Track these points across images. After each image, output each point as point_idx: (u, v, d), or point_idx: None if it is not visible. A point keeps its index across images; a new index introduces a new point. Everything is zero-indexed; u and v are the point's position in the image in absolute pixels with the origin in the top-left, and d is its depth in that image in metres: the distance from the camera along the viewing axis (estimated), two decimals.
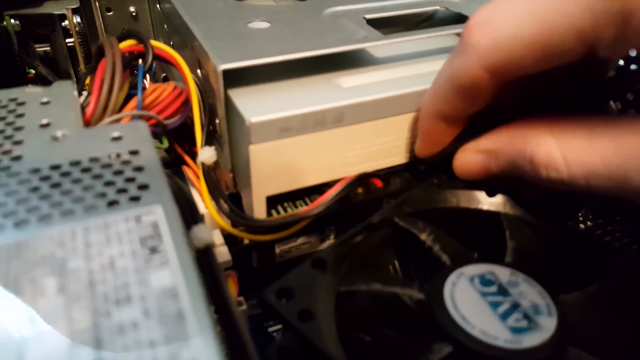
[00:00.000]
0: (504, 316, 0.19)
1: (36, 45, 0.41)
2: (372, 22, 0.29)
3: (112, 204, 0.17)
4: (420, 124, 0.25)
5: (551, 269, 0.23)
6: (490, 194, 0.25)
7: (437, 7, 0.33)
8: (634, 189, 0.19)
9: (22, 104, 0.23)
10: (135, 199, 0.17)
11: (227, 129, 0.25)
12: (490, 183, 0.25)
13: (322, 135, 0.24)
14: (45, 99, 0.23)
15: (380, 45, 0.27)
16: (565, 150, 0.21)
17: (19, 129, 0.21)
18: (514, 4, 0.20)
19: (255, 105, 0.23)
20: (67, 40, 0.42)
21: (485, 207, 0.25)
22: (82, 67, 0.43)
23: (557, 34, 0.18)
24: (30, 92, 0.24)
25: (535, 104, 0.24)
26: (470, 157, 0.25)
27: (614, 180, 0.19)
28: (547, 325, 0.19)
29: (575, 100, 0.24)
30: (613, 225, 0.35)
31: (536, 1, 0.19)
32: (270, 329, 0.29)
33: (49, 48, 0.42)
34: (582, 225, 0.35)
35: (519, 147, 0.22)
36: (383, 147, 0.26)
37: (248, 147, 0.23)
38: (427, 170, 0.27)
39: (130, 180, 0.18)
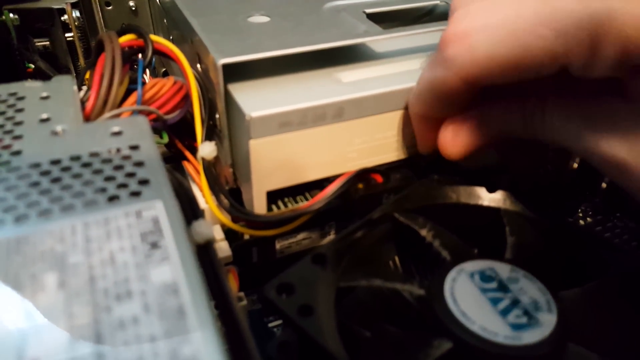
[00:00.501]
0: (504, 312, 0.19)
1: (35, 40, 0.41)
2: (372, 17, 0.29)
3: (112, 199, 0.17)
4: (413, 124, 0.26)
5: (551, 265, 0.23)
6: (491, 189, 0.25)
7: (437, 2, 0.32)
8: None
9: (21, 98, 0.22)
10: (135, 194, 0.17)
11: (227, 124, 0.25)
12: (490, 178, 0.25)
13: (322, 130, 0.24)
14: (44, 94, 0.23)
15: (380, 40, 0.27)
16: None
17: (18, 123, 0.21)
18: (491, 20, 0.20)
19: (255, 99, 0.23)
20: (67, 35, 0.42)
21: (485, 202, 0.25)
22: (81, 61, 0.43)
23: (532, 54, 0.19)
24: (30, 87, 0.23)
25: None
26: (459, 124, 0.24)
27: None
28: (547, 321, 0.19)
29: None
30: (613, 222, 0.35)
31: (512, 19, 0.19)
32: (270, 325, 0.29)
33: (48, 43, 0.42)
34: (581, 222, 0.35)
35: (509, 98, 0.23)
36: (383, 142, 0.26)
37: (248, 142, 0.23)
38: (428, 166, 0.27)
39: (131, 175, 0.18)
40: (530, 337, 0.18)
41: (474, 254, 0.23)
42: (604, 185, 0.36)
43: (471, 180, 0.25)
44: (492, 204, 0.25)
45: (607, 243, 0.23)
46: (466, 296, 0.20)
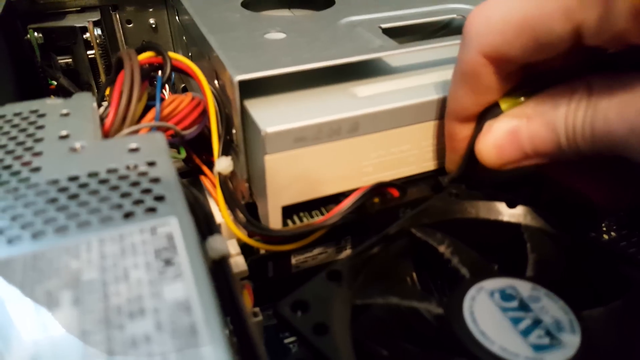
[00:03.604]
0: (525, 333, 0.19)
1: (58, 57, 0.42)
2: (388, 32, 0.29)
3: (128, 215, 0.17)
4: (445, 133, 0.26)
5: (574, 283, 0.22)
6: (511, 205, 0.24)
7: (454, 16, 0.32)
8: None
9: (42, 115, 0.23)
10: (151, 210, 0.17)
11: (243, 139, 0.25)
12: (512, 189, 0.24)
13: (338, 145, 0.24)
14: (65, 111, 0.23)
15: (396, 55, 0.27)
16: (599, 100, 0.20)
17: (38, 140, 0.21)
18: None
19: (271, 115, 0.23)
20: (88, 52, 0.43)
21: (505, 218, 0.24)
22: (102, 78, 0.44)
23: (545, 13, 0.19)
24: (51, 104, 0.24)
25: None
26: (500, 126, 0.23)
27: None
28: (571, 342, 0.18)
29: None
30: (638, 237, 0.34)
31: None
32: (286, 341, 0.28)
33: (70, 60, 0.43)
34: (605, 236, 0.34)
35: (554, 98, 0.22)
36: (399, 156, 0.26)
37: (263, 157, 0.23)
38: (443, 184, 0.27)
39: (147, 191, 0.18)
40: (553, 358, 0.18)
41: (494, 271, 0.23)
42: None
43: (491, 194, 0.25)
44: (513, 220, 0.24)
45: (632, 259, 0.22)
46: (486, 315, 0.19)
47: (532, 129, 0.22)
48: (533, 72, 0.23)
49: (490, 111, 0.24)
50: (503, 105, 0.23)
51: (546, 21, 0.19)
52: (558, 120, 0.21)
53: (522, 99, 0.23)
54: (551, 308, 0.20)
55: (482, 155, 0.24)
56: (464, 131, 0.24)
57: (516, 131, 0.22)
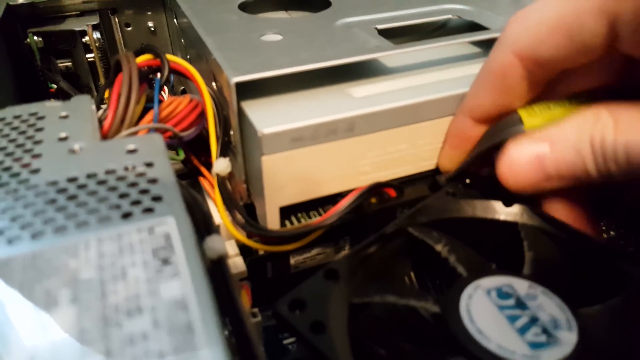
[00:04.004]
0: (522, 330, 0.19)
1: (58, 61, 0.43)
2: (384, 32, 0.29)
3: (126, 215, 0.17)
4: (448, 127, 0.26)
5: (571, 280, 0.22)
6: (507, 203, 0.25)
7: (450, 16, 0.32)
8: None
9: (41, 118, 0.23)
10: (148, 210, 0.18)
11: (240, 140, 0.26)
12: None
13: (335, 145, 0.24)
14: (64, 113, 0.23)
15: (391, 55, 0.27)
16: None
17: (38, 142, 0.21)
18: None
19: (268, 116, 0.24)
20: (88, 56, 0.43)
21: (502, 217, 0.24)
22: (102, 81, 0.44)
23: (580, 8, 0.19)
24: (50, 107, 0.24)
25: None
26: (524, 149, 0.23)
27: None
28: (567, 340, 0.18)
29: None
30: (636, 235, 0.34)
31: None
32: (285, 341, 0.29)
33: (70, 63, 0.43)
34: (604, 235, 0.35)
35: (578, 123, 0.22)
36: (396, 155, 0.26)
37: (260, 157, 0.23)
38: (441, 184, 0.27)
39: (145, 192, 0.18)
40: (550, 356, 0.18)
41: (491, 269, 0.23)
42: (627, 198, 0.35)
43: (487, 193, 0.25)
44: (509, 218, 0.24)
45: (630, 257, 0.22)
46: (483, 313, 0.19)
47: (557, 153, 0.22)
48: (558, 88, 0.23)
49: (510, 121, 0.24)
50: (523, 114, 0.23)
51: (580, 16, 0.19)
52: (584, 145, 0.21)
53: (542, 109, 0.23)
54: (548, 306, 0.20)
55: (506, 179, 0.24)
56: (474, 131, 0.25)
57: (541, 156, 0.22)
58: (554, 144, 0.22)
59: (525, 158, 0.23)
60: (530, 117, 0.23)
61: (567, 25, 0.20)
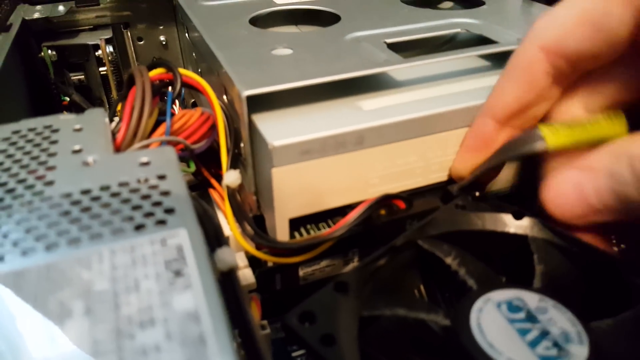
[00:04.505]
0: (533, 344, 0.19)
1: (71, 74, 0.43)
2: (393, 46, 0.30)
3: (139, 227, 0.18)
4: (468, 130, 0.26)
5: (582, 294, 0.22)
6: (517, 216, 0.25)
7: (458, 30, 0.33)
8: None
9: (56, 130, 0.24)
10: (161, 222, 0.18)
11: (251, 153, 0.26)
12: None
13: (344, 158, 0.24)
14: (77, 126, 0.24)
15: (400, 69, 0.27)
16: None
17: (52, 154, 0.22)
18: None
19: (278, 129, 0.24)
20: (100, 69, 0.44)
21: (512, 230, 0.24)
22: (114, 94, 0.45)
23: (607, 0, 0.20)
24: (64, 119, 0.25)
25: None
26: (564, 179, 0.22)
27: None
28: (578, 353, 0.18)
29: None
30: None
31: None
32: (294, 354, 0.28)
33: (83, 76, 0.44)
34: (615, 248, 0.34)
35: (617, 152, 0.21)
36: (405, 168, 0.26)
37: (271, 170, 0.23)
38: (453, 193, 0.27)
39: (157, 204, 0.19)
40: None
41: (501, 282, 0.23)
42: None
43: (497, 206, 0.25)
44: (519, 231, 0.24)
45: None
46: (493, 327, 0.19)
47: (598, 183, 0.21)
48: (581, 91, 0.23)
49: (532, 136, 0.24)
50: (545, 131, 0.23)
51: (606, 6, 0.20)
52: (625, 174, 0.20)
53: (564, 128, 0.23)
54: (559, 319, 0.20)
55: (551, 209, 0.23)
56: (495, 134, 0.24)
57: (581, 185, 0.22)
58: (593, 172, 0.21)
59: (565, 187, 0.22)
60: (553, 135, 0.23)
61: (593, 16, 0.20)
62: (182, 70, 0.28)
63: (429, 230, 0.24)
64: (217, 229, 0.23)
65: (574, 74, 0.23)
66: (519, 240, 0.24)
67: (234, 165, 0.27)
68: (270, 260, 0.26)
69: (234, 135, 0.27)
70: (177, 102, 0.33)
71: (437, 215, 0.24)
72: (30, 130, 0.24)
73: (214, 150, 0.29)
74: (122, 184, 0.20)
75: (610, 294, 0.22)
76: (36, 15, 0.42)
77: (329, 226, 0.26)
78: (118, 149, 0.25)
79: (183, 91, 0.30)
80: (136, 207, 0.18)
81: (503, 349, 0.18)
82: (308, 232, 0.26)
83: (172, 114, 0.27)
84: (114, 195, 0.19)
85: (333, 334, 0.18)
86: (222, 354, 0.13)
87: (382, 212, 0.26)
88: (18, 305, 0.15)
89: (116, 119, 0.27)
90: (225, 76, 0.27)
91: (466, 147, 0.26)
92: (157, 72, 0.28)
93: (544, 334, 0.19)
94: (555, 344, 0.19)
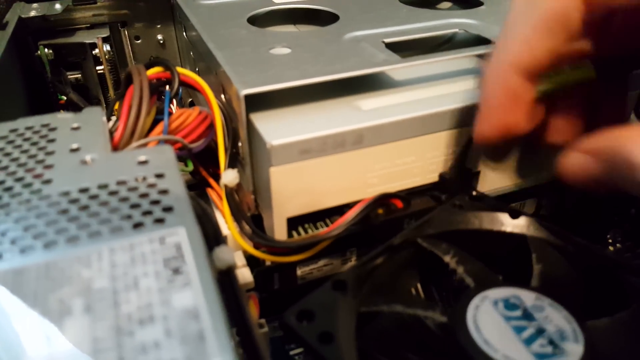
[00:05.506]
0: (529, 341, 0.19)
1: (68, 73, 0.43)
2: (391, 46, 0.30)
3: (137, 225, 0.18)
4: (489, 87, 0.23)
5: (578, 293, 0.22)
6: (514, 215, 0.25)
7: (456, 30, 0.33)
8: None
9: (53, 129, 0.24)
10: (159, 220, 0.18)
11: (249, 152, 0.26)
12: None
13: (342, 157, 0.24)
14: (75, 125, 0.24)
15: (399, 68, 0.27)
16: None
17: (50, 153, 0.22)
18: None
19: (276, 128, 0.24)
20: (98, 68, 0.44)
21: (509, 229, 0.25)
22: (111, 93, 0.45)
23: None
24: (62, 118, 0.25)
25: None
26: (572, 158, 0.22)
27: None
28: (573, 351, 0.18)
29: None
30: None
31: None
32: (292, 352, 0.29)
33: (80, 75, 0.44)
34: (611, 248, 0.34)
35: (617, 142, 0.20)
36: (404, 167, 0.26)
37: (269, 169, 0.23)
38: (451, 191, 0.27)
39: (155, 202, 0.19)
40: None
41: (498, 281, 0.23)
42: (633, 210, 0.35)
43: (494, 206, 0.25)
44: (516, 230, 0.25)
45: (637, 270, 0.22)
46: (489, 324, 0.19)
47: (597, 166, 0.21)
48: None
49: None
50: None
51: None
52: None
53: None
54: (555, 317, 0.20)
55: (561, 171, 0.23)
56: (523, 88, 0.22)
57: (588, 165, 0.22)
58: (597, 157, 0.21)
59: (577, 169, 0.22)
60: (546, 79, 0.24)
61: None
62: (180, 69, 0.28)
63: (426, 230, 0.24)
64: (215, 228, 0.23)
65: (604, 13, 0.21)
66: (516, 239, 0.24)
67: (232, 164, 0.27)
68: (268, 259, 0.26)
69: (232, 135, 0.27)
70: (174, 101, 0.33)
71: (435, 215, 0.25)
72: (28, 128, 0.24)
73: (211, 149, 0.29)
74: (120, 183, 0.20)
75: (607, 294, 0.22)
76: (33, 14, 0.42)
77: (327, 225, 0.27)
78: (116, 148, 0.25)
79: (181, 90, 0.30)
80: (134, 206, 0.18)
81: (499, 346, 0.18)
82: (306, 231, 0.26)
83: (170, 113, 0.27)
84: (112, 193, 0.19)
85: (331, 332, 0.18)
86: (222, 351, 0.13)
87: (380, 211, 0.27)
88: (15, 304, 0.15)
89: (113, 117, 0.27)
90: (223, 75, 0.27)
91: (491, 107, 0.23)
92: (154, 71, 0.28)
93: (540, 331, 0.19)
94: (551, 342, 0.19)
